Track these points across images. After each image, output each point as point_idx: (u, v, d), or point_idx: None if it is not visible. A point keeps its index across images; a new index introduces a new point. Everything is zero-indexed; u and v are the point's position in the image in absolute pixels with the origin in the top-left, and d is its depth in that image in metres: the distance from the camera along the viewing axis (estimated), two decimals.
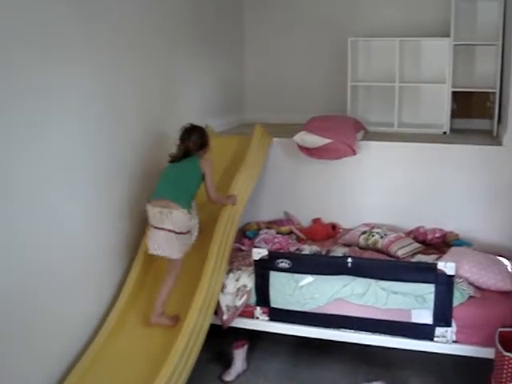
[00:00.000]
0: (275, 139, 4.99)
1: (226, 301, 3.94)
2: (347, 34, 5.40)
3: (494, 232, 4.46)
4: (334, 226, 4.91)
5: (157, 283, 3.83)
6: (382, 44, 5.46)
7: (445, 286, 3.56)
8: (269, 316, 3.95)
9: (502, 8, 4.89)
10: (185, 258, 3.73)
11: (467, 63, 5.29)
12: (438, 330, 3.62)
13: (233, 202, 4.06)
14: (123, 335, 3.61)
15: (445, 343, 3.62)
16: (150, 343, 3.58)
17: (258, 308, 3.96)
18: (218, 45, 5.42)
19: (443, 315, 3.59)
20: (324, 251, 4.37)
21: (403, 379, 3.82)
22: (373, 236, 4.46)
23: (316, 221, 5.01)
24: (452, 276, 3.55)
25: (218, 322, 3.95)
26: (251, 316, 3.99)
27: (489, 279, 3.76)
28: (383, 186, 4.76)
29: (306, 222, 5.06)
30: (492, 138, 4.89)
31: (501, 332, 3.40)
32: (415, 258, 4.20)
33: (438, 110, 5.24)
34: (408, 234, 4.62)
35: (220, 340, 4.06)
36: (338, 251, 4.32)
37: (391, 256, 4.30)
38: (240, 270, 4.05)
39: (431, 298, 3.59)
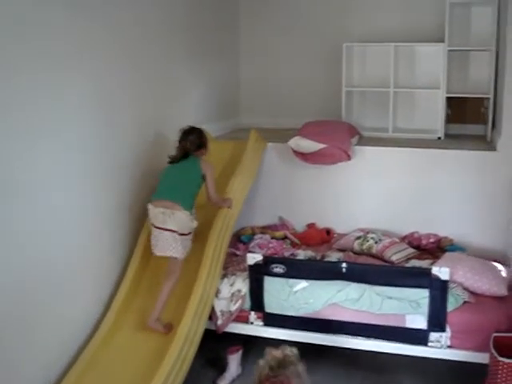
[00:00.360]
0: (270, 144, 5.00)
1: (220, 306, 3.93)
2: (342, 40, 5.41)
3: (489, 237, 4.47)
4: (328, 231, 4.91)
5: (153, 283, 3.85)
6: (376, 49, 5.48)
7: (439, 291, 3.57)
8: (263, 321, 3.95)
9: (495, 14, 4.92)
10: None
11: (461, 69, 5.30)
12: (433, 335, 3.62)
13: (228, 205, 4.06)
14: (118, 339, 3.61)
15: (439, 348, 3.63)
16: (144, 348, 3.56)
17: (253, 313, 3.96)
18: (213, 50, 5.42)
19: (437, 320, 3.59)
20: (318, 256, 4.37)
21: None
22: (367, 241, 4.46)
23: (310, 226, 5.01)
24: (446, 281, 3.55)
25: (213, 327, 3.95)
26: (246, 321, 3.98)
27: (483, 284, 3.77)
28: (378, 191, 4.76)
29: (300, 226, 5.06)
30: (486, 143, 4.90)
31: (495, 337, 3.40)
32: (410, 263, 4.21)
33: (433, 115, 5.25)
34: (402, 239, 4.63)
35: (214, 345, 4.04)
36: (333, 256, 4.32)
37: (386, 261, 4.30)
38: (234, 274, 4.04)
39: (425, 303, 3.60)
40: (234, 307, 3.92)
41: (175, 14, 4.66)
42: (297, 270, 3.88)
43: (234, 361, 3.92)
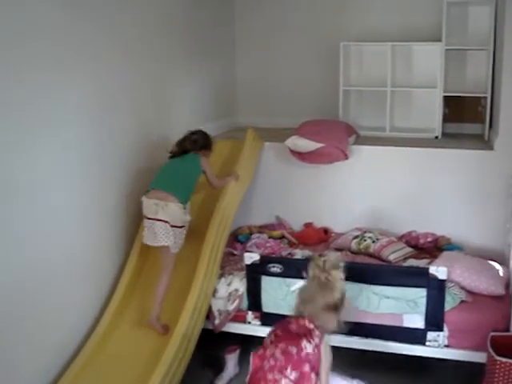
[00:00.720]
0: (267, 143, 4.99)
1: (217, 305, 3.93)
2: (339, 39, 5.39)
3: (486, 236, 4.47)
4: (325, 231, 4.91)
5: (150, 282, 3.85)
6: (374, 48, 5.47)
7: (436, 290, 3.56)
8: (261, 320, 3.94)
9: (493, 13, 4.90)
10: (176, 261, 3.74)
11: (459, 68, 5.29)
12: (430, 335, 3.62)
13: (236, 179, 4.19)
14: (115, 338, 3.61)
15: (437, 347, 3.63)
16: (141, 347, 3.56)
17: (250, 312, 3.96)
18: (210, 50, 5.41)
19: (435, 319, 3.59)
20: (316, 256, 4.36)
21: None
22: (365, 240, 4.46)
23: (308, 225, 5.00)
24: (444, 280, 3.55)
25: (210, 327, 3.94)
26: (243, 320, 3.98)
27: (481, 283, 3.77)
28: (375, 191, 4.76)
29: (297, 226, 5.05)
30: (483, 142, 4.90)
31: (492, 336, 3.40)
32: (407, 262, 4.21)
33: (430, 114, 5.25)
34: (400, 238, 4.63)
35: (212, 344, 4.04)
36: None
37: (383, 260, 4.30)
38: (232, 274, 4.04)
39: (423, 302, 3.60)
40: (231, 307, 3.91)
41: (172, 16, 4.66)
42: (294, 269, 3.86)
43: (231, 360, 3.91)
